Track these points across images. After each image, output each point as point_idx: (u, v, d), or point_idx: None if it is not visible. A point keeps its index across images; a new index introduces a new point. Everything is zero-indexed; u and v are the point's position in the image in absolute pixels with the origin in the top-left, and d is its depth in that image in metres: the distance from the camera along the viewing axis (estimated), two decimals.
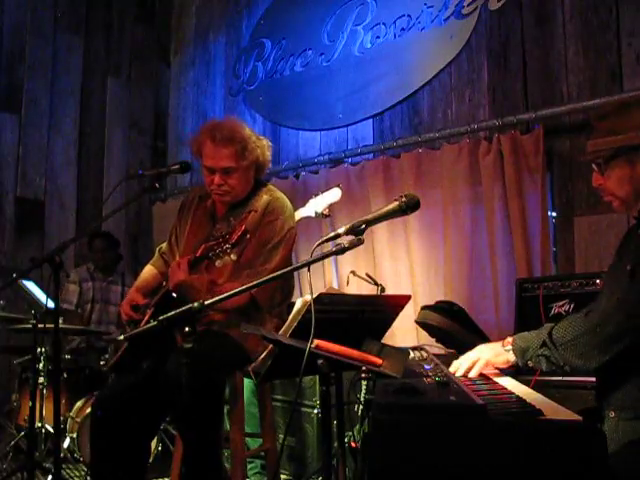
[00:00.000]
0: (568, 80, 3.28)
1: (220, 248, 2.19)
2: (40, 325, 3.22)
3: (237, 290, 1.65)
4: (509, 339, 1.69)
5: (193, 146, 2.50)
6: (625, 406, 1.54)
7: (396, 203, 1.68)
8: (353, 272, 3.33)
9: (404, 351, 1.79)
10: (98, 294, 4.48)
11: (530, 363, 1.64)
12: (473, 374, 1.66)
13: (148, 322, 2.37)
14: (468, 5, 3.65)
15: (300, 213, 3.26)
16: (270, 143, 2.58)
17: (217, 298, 1.62)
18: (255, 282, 1.67)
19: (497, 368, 1.73)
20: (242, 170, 2.44)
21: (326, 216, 3.20)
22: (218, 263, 2.27)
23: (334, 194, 3.21)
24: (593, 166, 1.70)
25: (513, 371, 1.80)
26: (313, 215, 3.20)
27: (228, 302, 2.28)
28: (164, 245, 2.76)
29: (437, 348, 2.70)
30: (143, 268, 2.78)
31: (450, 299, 3.08)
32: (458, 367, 1.68)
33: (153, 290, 2.57)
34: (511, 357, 1.67)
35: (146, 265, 2.76)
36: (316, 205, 3.18)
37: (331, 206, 3.22)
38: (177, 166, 2.50)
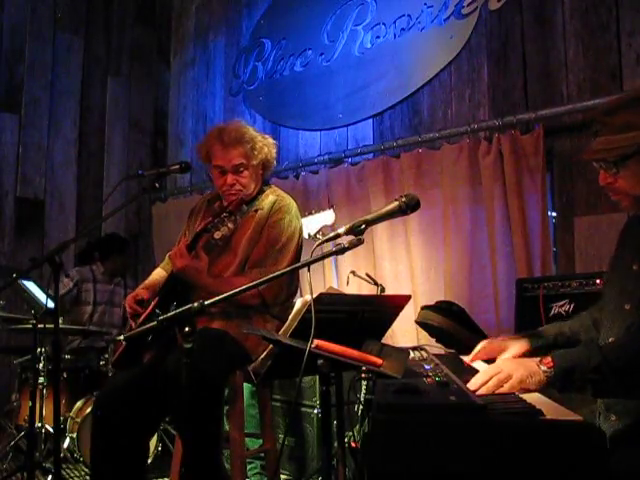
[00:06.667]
0: (568, 80, 3.28)
1: (218, 218, 2.23)
2: (40, 325, 3.22)
3: (242, 288, 1.65)
4: (548, 358, 1.45)
5: (201, 151, 2.55)
6: (627, 411, 1.49)
7: (396, 203, 1.68)
8: (353, 272, 3.33)
9: (404, 351, 1.79)
10: (101, 296, 4.41)
11: (573, 387, 1.42)
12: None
13: (152, 312, 2.39)
14: (468, 5, 3.65)
15: None
16: (275, 141, 2.63)
17: (218, 297, 1.63)
18: (259, 280, 1.68)
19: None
20: (252, 168, 2.50)
21: (318, 239, 3.16)
22: (217, 234, 2.29)
23: (327, 217, 3.18)
24: (600, 164, 1.57)
25: None
26: (305, 237, 3.15)
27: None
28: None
29: (437, 348, 2.70)
30: (142, 267, 2.80)
31: (450, 299, 3.08)
32: (482, 385, 1.44)
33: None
34: (545, 378, 1.43)
35: (155, 268, 2.80)
36: (309, 226, 3.15)
37: (324, 228, 3.20)
38: (177, 166, 2.51)
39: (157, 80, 5.57)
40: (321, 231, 3.17)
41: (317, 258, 1.62)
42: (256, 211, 2.48)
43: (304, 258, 2.51)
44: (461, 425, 1.17)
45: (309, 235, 3.14)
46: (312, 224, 3.17)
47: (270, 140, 2.59)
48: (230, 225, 2.27)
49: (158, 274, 2.72)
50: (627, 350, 1.41)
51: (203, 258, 2.35)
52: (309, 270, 1.61)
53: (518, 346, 1.74)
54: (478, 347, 1.75)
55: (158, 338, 2.39)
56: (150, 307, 2.43)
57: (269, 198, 2.54)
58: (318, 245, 1.63)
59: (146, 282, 2.67)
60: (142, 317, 2.42)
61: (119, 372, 2.55)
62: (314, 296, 1.54)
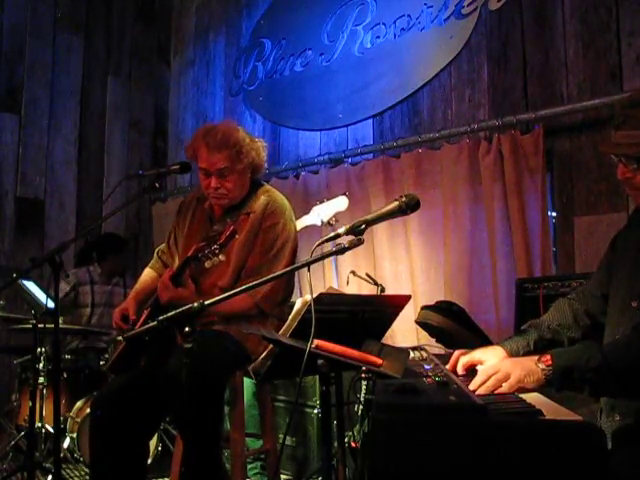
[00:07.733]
0: (568, 80, 3.28)
1: (209, 249, 2.19)
2: (40, 325, 3.22)
3: (236, 291, 1.65)
4: (547, 356, 1.44)
5: (188, 151, 2.49)
6: (631, 411, 1.47)
7: (396, 203, 1.67)
8: (353, 272, 3.33)
9: (404, 351, 1.79)
10: (99, 298, 4.40)
11: (571, 386, 1.40)
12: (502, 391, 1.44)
13: (145, 322, 2.38)
14: (468, 5, 3.64)
15: (304, 221, 3.23)
16: (265, 144, 2.56)
17: (217, 298, 1.63)
18: (255, 282, 1.67)
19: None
20: (238, 173, 2.43)
21: (332, 225, 3.17)
22: (207, 264, 2.26)
23: (341, 203, 3.15)
24: (620, 158, 1.53)
25: None
26: (319, 224, 3.15)
27: (233, 308, 2.31)
28: (163, 246, 2.77)
29: (437, 348, 2.70)
30: (142, 268, 2.79)
31: (450, 299, 3.08)
32: (481, 385, 1.44)
33: (152, 293, 2.58)
34: (543, 376, 1.42)
35: (145, 268, 2.77)
36: (321, 213, 3.13)
37: (337, 214, 3.18)
38: (177, 166, 2.50)
39: (157, 80, 5.57)
40: (334, 217, 3.16)
41: (317, 258, 1.62)
42: (248, 214, 2.43)
43: (304, 258, 2.51)
44: (461, 425, 1.17)
45: (322, 222, 3.13)
46: (325, 211, 3.15)
47: (259, 143, 2.51)
48: (222, 257, 2.22)
49: (148, 275, 2.70)
50: (629, 351, 1.40)
51: (190, 286, 2.32)
52: (309, 270, 1.61)
53: (496, 354, 1.68)
54: (453, 357, 1.68)
55: (156, 344, 2.37)
56: (142, 318, 2.42)
57: (261, 200, 2.48)
58: (318, 245, 1.62)
59: (137, 287, 2.65)
60: (137, 326, 2.42)
61: (117, 375, 2.55)
62: (314, 296, 1.54)
